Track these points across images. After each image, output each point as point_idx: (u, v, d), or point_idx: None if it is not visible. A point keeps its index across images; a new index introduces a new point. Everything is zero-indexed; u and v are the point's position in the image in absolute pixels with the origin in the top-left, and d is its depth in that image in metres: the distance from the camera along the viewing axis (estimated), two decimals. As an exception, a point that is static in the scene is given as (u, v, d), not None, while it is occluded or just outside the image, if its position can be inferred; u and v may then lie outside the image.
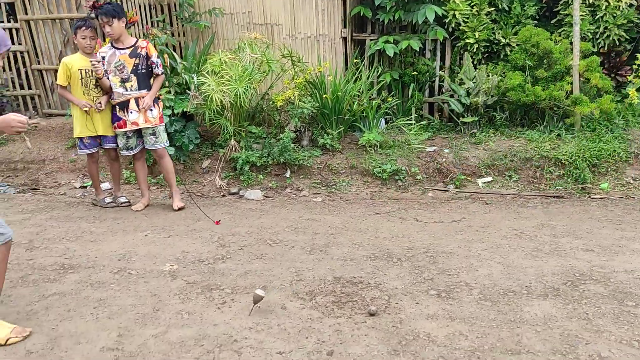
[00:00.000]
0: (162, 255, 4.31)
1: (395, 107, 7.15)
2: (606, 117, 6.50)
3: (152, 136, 5.47)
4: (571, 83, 6.43)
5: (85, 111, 5.32)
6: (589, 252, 4.18)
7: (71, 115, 5.61)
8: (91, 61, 5.19)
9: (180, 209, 5.53)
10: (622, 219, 4.99)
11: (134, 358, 2.85)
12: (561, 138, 6.32)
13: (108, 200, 5.74)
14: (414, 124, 6.86)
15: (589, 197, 5.70)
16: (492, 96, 6.62)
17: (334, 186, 6.18)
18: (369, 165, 6.24)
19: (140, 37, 6.13)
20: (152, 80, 5.43)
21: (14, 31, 7.85)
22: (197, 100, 6.16)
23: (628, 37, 6.86)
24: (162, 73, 5.49)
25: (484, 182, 6.10)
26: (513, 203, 5.59)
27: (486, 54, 7.07)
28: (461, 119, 6.77)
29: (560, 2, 6.96)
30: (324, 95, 6.53)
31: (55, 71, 6.54)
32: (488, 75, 6.64)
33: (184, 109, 6.29)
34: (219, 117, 6.38)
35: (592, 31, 6.84)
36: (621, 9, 6.71)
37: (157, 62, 5.39)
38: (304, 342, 2.97)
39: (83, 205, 5.79)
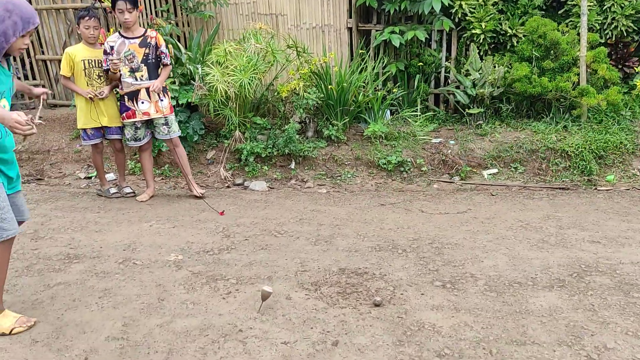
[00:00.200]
0: (167, 245, 4.31)
1: (400, 98, 7.12)
2: (613, 108, 6.45)
3: (164, 126, 5.46)
4: (578, 74, 6.38)
5: (90, 99, 5.28)
6: (595, 244, 4.16)
7: (75, 106, 5.59)
8: (113, 60, 5.12)
9: (202, 195, 5.56)
10: (628, 210, 4.97)
11: (139, 347, 2.86)
12: (567, 130, 6.29)
13: (113, 190, 5.74)
14: (420, 115, 6.83)
15: (595, 188, 5.67)
16: (498, 87, 6.58)
17: (339, 177, 6.16)
18: (374, 156, 6.22)
19: (145, 27, 6.11)
20: (159, 70, 5.42)
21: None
22: (202, 90, 6.15)
23: (636, 28, 6.80)
24: (170, 63, 5.48)
25: (490, 174, 6.07)
26: (519, 195, 5.56)
27: (492, 45, 7.02)
28: (467, 110, 6.74)
29: (568, -7, 6.91)
30: (329, 86, 6.51)
31: (59, 61, 6.53)
32: (494, 67, 6.60)
33: (189, 100, 6.28)
34: (224, 107, 6.36)
35: (600, 22, 6.79)
36: (629, -1, 6.65)
37: (166, 52, 5.38)
38: (308, 333, 2.97)
39: (88, 196, 5.80)
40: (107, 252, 4.19)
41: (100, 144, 5.61)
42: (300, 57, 6.77)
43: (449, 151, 6.25)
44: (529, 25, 6.61)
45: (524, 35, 6.75)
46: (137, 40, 5.26)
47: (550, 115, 6.56)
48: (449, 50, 7.25)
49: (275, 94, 6.83)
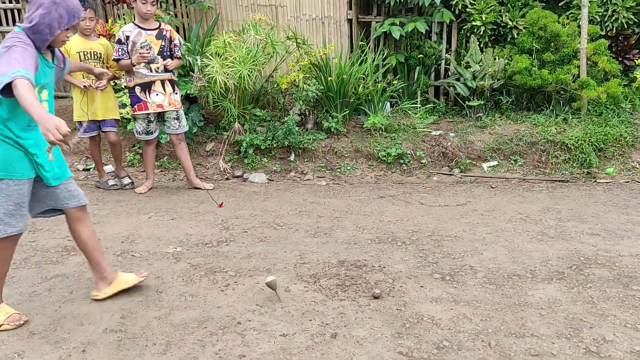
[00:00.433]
0: (165, 237, 4.30)
1: (400, 90, 7.09)
2: (613, 101, 6.44)
3: (175, 120, 5.44)
4: (578, 66, 6.36)
5: (85, 87, 5.19)
6: (595, 236, 4.16)
7: (72, 98, 5.56)
8: (141, 52, 5.05)
9: (211, 188, 5.59)
10: (627, 203, 4.96)
11: (137, 340, 2.85)
12: (567, 122, 6.27)
13: (111, 182, 5.72)
14: (420, 107, 6.81)
15: (595, 181, 5.67)
16: (498, 80, 6.55)
17: (339, 170, 6.15)
18: (374, 148, 6.21)
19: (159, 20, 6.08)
20: None
21: (15, 12, 7.80)
22: (201, 82, 6.12)
23: (636, 20, 6.77)
24: (181, 58, 5.49)
25: (490, 166, 6.06)
26: (518, 187, 5.55)
27: (493, 37, 7.00)
28: (467, 102, 6.72)
29: (569, -16, 6.87)
30: (329, 78, 6.48)
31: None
32: (494, 59, 6.57)
33: (188, 91, 6.25)
34: (223, 99, 6.34)
35: (600, 14, 6.76)
36: (630, -9, 6.62)
37: (179, 46, 5.38)
38: (307, 325, 2.97)
39: (86, 188, 5.78)
40: (105, 244, 4.17)
41: (97, 136, 5.58)
42: (300, 48, 6.74)
43: (449, 143, 6.23)
44: (529, 17, 6.58)
45: (525, 28, 6.72)
46: (154, 32, 5.23)
47: (550, 107, 6.55)
48: (449, 42, 7.22)
49: (275, 85, 6.80)
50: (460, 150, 6.19)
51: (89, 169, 6.50)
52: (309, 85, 6.40)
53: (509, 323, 2.95)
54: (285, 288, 3.39)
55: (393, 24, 6.87)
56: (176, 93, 5.42)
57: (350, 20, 7.23)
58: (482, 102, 6.67)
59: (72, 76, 5.27)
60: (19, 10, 7.77)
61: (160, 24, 5.31)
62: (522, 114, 6.61)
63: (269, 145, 6.30)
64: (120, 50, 5.17)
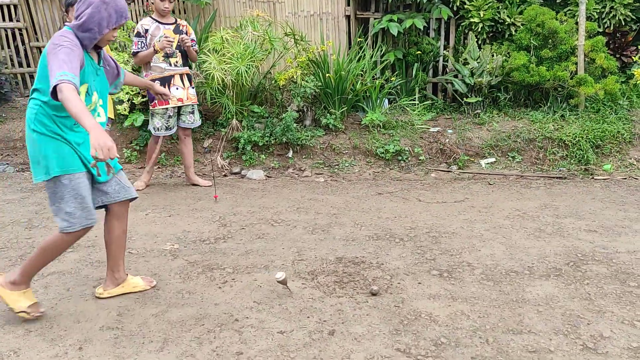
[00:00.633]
0: (162, 234, 4.29)
1: (398, 87, 7.08)
2: (610, 98, 6.44)
3: (190, 115, 5.44)
4: (576, 63, 6.36)
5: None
6: (592, 233, 4.16)
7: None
8: (167, 37, 5.04)
9: (211, 185, 5.59)
10: (625, 199, 4.96)
11: (134, 337, 2.84)
12: (565, 119, 6.27)
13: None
14: (418, 104, 6.80)
15: (592, 178, 5.67)
16: (496, 76, 6.55)
17: (337, 166, 6.14)
18: (372, 145, 6.20)
19: (139, 14, 6.06)
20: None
21: (12, 7, 7.76)
22: (198, 78, 6.10)
23: (634, 17, 6.77)
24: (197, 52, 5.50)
25: (487, 163, 6.06)
26: (516, 184, 5.55)
27: (491, 34, 6.99)
28: (465, 99, 6.72)
29: (567, -19, 6.87)
30: (327, 75, 6.47)
31: (55, 49, 6.44)
32: (492, 55, 6.57)
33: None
34: (221, 96, 6.32)
35: (598, 11, 6.75)
36: (628, -12, 6.61)
37: (195, 40, 5.40)
38: (305, 322, 2.96)
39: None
40: (101, 241, 4.13)
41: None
42: (298, 45, 6.73)
43: (447, 140, 6.23)
44: (527, 14, 6.57)
45: (522, 24, 6.71)
46: (171, 27, 5.25)
47: (548, 104, 6.54)
48: (447, 38, 7.21)
49: (273, 82, 6.79)
50: (458, 147, 6.19)
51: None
52: (307, 81, 6.39)
53: (506, 320, 2.95)
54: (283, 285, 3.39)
55: (391, 20, 6.86)
56: (192, 87, 5.45)
57: (348, 17, 7.22)
58: (480, 99, 6.67)
59: None
60: (15, 6, 7.74)
61: (176, 20, 5.33)
62: (520, 111, 6.61)
63: (266, 141, 6.29)
64: (139, 43, 5.15)
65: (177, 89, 5.29)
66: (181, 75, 5.30)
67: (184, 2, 7.31)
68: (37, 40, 7.89)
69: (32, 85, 8.25)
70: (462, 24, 6.97)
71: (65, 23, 2.91)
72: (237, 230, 4.35)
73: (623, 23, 6.80)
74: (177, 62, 5.26)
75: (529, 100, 6.78)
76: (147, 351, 2.71)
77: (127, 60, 6.15)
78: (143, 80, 3.75)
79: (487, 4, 6.72)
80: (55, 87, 2.53)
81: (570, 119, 6.23)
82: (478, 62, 6.59)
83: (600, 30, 6.76)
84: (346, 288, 3.34)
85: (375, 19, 7.19)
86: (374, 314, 3.03)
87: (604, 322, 2.91)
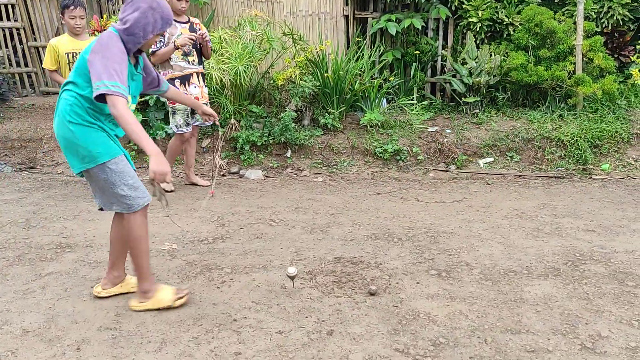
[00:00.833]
0: (161, 234, 4.29)
1: (397, 86, 7.08)
2: (608, 97, 6.44)
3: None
4: (574, 63, 6.36)
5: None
6: (590, 233, 4.16)
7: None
8: (190, 35, 5.04)
9: (209, 185, 5.58)
10: (623, 199, 4.96)
11: (132, 337, 2.84)
12: (563, 118, 6.27)
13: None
14: (416, 103, 6.80)
15: (590, 177, 5.67)
16: (494, 76, 6.55)
17: (335, 166, 6.14)
18: (371, 145, 6.20)
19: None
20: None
21: (9, 7, 7.75)
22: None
23: (632, 17, 6.78)
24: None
25: (486, 163, 6.06)
26: (514, 183, 5.56)
27: (489, 34, 6.99)
28: (463, 99, 6.72)
29: (565, -19, 6.87)
30: (325, 74, 6.47)
31: (53, 48, 6.44)
32: (491, 55, 6.57)
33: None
34: (219, 95, 6.32)
35: (596, 10, 6.76)
36: (626, -12, 6.62)
37: (209, 39, 5.39)
38: (303, 322, 2.96)
39: (80, 184, 5.75)
40: (99, 241, 4.16)
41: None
42: (296, 44, 6.72)
43: (445, 140, 6.23)
44: (525, 13, 6.57)
45: (521, 24, 6.71)
46: (186, 25, 5.25)
47: (546, 104, 6.55)
48: (445, 38, 7.21)
49: (271, 82, 6.79)
50: (457, 147, 6.19)
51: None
52: (305, 81, 6.39)
53: (504, 319, 2.95)
54: (281, 285, 3.39)
55: (389, 20, 6.86)
56: (206, 86, 5.47)
57: (346, 17, 7.22)
58: (479, 99, 6.67)
59: (64, 77, 5.14)
60: (12, 6, 7.72)
61: (189, 18, 5.32)
62: (518, 111, 6.61)
63: (265, 141, 6.28)
64: (158, 41, 5.14)
65: (194, 87, 5.32)
66: (198, 74, 5.33)
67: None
68: (35, 40, 7.88)
69: (29, 84, 8.25)
70: (461, 23, 6.98)
71: (112, 25, 2.91)
72: (236, 230, 4.35)
73: (621, 23, 6.80)
74: (194, 60, 5.28)
75: (527, 100, 6.78)
76: (145, 351, 2.71)
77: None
78: (190, 98, 3.76)
79: (485, 4, 6.72)
80: (104, 94, 2.60)
81: (569, 118, 6.24)
82: (476, 62, 6.59)
83: (598, 30, 6.76)
84: (344, 288, 3.34)
85: (373, 18, 7.19)
86: (372, 314, 3.02)
87: (602, 321, 2.91)
